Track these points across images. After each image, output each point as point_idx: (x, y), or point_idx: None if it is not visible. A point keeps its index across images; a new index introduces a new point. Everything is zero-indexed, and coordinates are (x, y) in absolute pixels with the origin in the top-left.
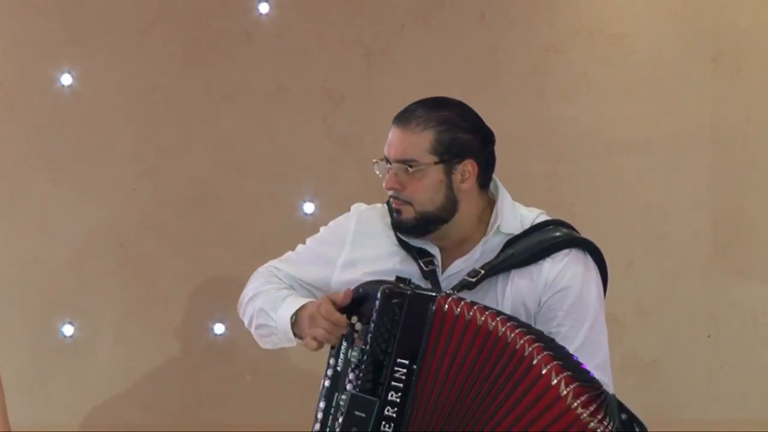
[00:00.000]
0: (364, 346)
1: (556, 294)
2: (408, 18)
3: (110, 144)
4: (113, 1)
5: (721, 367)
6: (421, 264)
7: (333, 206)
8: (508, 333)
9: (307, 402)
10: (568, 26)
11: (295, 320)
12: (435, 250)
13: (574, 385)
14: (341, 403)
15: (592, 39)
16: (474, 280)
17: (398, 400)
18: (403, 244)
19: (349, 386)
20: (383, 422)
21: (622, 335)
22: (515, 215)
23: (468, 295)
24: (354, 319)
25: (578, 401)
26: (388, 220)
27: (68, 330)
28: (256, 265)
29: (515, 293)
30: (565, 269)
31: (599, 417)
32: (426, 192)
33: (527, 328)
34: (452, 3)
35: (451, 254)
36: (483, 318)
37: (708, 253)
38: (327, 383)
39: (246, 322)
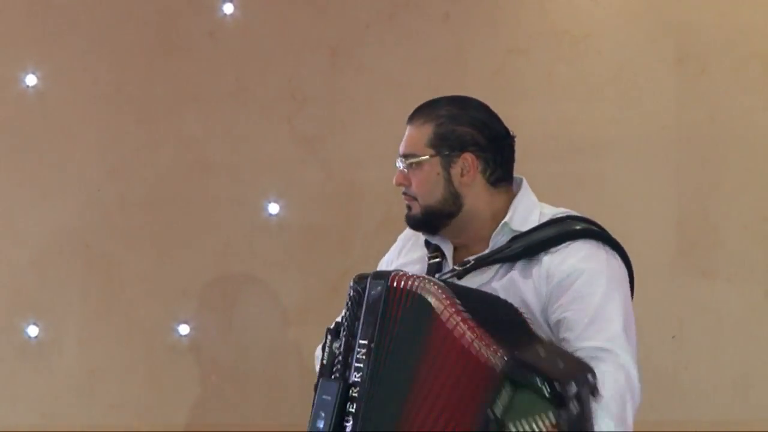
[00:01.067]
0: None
1: (558, 283)
2: (372, 18)
3: (75, 144)
4: (78, 2)
5: (686, 367)
6: (428, 257)
7: (297, 206)
8: (439, 302)
9: (272, 402)
10: (533, 27)
11: None
12: (447, 246)
13: (487, 339)
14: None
15: (557, 39)
16: (461, 269)
17: (359, 380)
18: (427, 244)
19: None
20: (348, 403)
21: None
22: (532, 213)
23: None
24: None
25: (490, 350)
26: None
27: (33, 331)
28: (220, 266)
29: (512, 289)
30: (565, 260)
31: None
32: (425, 185)
33: (465, 300)
34: (416, 3)
35: (467, 252)
36: (421, 285)
37: (672, 253)
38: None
39: None
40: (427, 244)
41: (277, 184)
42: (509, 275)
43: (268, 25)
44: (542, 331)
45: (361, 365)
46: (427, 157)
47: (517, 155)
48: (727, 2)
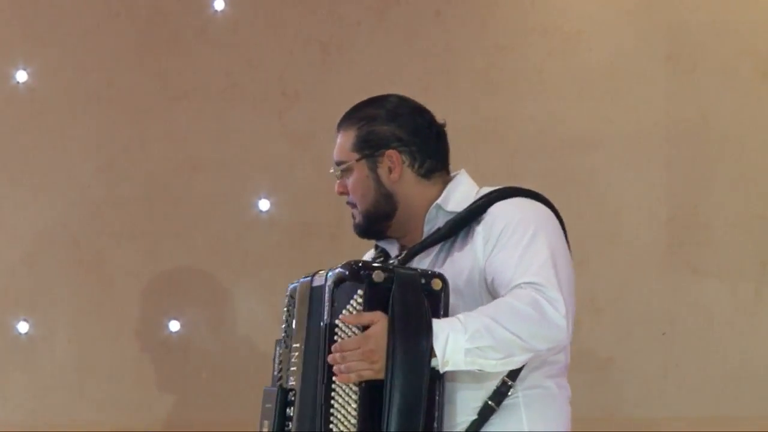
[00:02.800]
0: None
1: (492, 246)
2: (363, 15)
3: (65, 141)
4: None
5: (676, 364)
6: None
7: (288, 203)
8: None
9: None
10: (523, 23)
11: None
12: (393, 247)
13: None
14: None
15: (547, 36)
16: (396, 262)
17: (294, 382)
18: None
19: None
20: (287, 408)
21: (577, 333)
22: (467, 194)
23: None
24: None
25: None
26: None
27: (23, 327)
28: (211, 262)
29: (455, 270)
30: (494, 222)
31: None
32: (358, 189)
33: None
34: (407, 0)
35: (414, 241)
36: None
37: (662, 250)
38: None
39: None
40: (376, 248)
41: (268, 180)
42: (450, 258)
43: (258, 21)
44: (489, 299)
45: (295, 368)
46: (353, 161)
47: (508, 151)
48: (718, 0)
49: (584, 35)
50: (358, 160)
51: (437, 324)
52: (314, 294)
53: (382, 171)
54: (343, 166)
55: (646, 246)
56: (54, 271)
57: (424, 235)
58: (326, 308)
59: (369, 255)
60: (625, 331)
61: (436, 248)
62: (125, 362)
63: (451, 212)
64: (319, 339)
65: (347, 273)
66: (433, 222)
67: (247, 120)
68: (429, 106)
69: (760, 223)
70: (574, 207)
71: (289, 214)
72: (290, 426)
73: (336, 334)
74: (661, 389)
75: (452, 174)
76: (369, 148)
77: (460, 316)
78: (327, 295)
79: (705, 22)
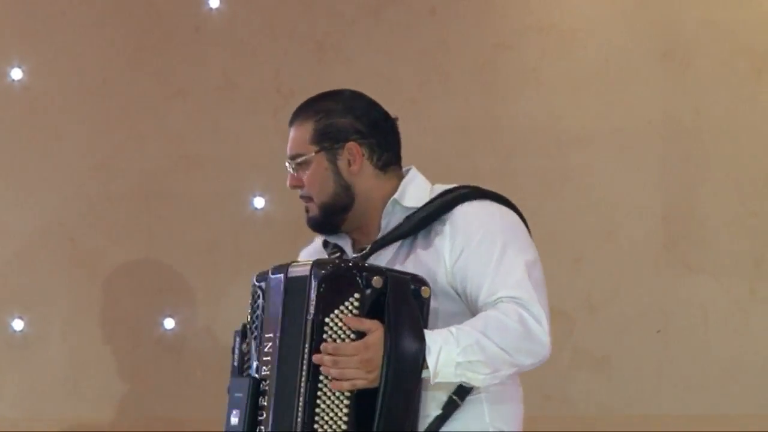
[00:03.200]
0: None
1: (461, 248)
2: (359, 13)
3: (60, 138)
4: None
5: (671, 362)
6: (327, 254)
7: (283, 201)
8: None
9: None
10: (519, 21)
11: None
12: (346, 242)
13: None
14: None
15: (543, 34)
16: (359, 256)
17: (268, 372)
18: (325, 246)
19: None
20: (260, 397)
21: (572, 331)
22: (422, 190)
23: None
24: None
25: None
26: (319, 239)
27: (18, 325)
28: (206, 260)
29: (418, 266)
30: (461, 223)
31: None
32: (316, 182)
33: None
34: None
35: (367, 242)
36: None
37: (657, 248)
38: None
39: None
40: (325, 245)
41: (263, 178)
42: (412, 254)
43: (254, 19)
44: (449, 299)
45: (269, 358)
46: (312, 154)
47: (503, 149)
48: None
49: (579, 33)
50: (317, 152)
51: (430, 336)
52: (292, 285)
53: (342, 164)
54: (299, 159)
55: (640, 244)
56: (49, 269)
57: (381, 230)
58: (312, 303)
59: (313, 248)
60: (620, 329)
61: (397, 244)
62: (120, 360)
63: (408, 207)
64: (301, 333)
65: (342, 272)
66: (390, 216)
67: (243, 118)
68: (424, 104)
69: (755, 221)
70: (569, 205)
71: (284, 211)
72: (263, 415)
73: (325, 332)
74: (656, 387)
75: (404, 168)
76: (328, 140)
77: (452, 329)
78: (312, 289)
79: (700, 19)
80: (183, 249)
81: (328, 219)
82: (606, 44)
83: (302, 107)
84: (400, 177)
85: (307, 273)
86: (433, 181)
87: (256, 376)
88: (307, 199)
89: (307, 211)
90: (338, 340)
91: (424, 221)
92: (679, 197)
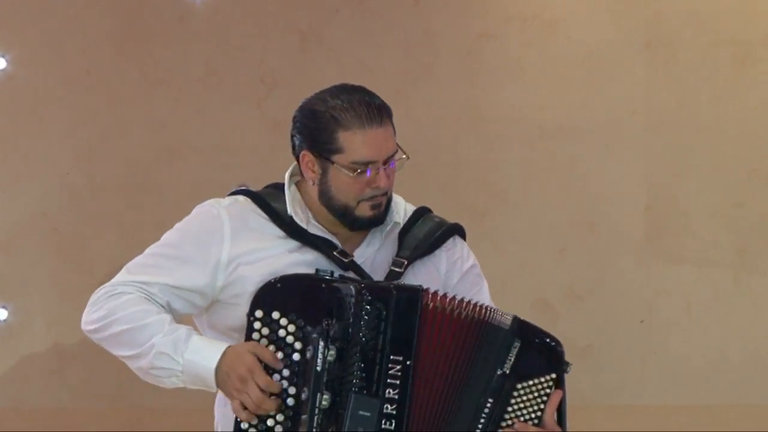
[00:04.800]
0: (343, 346)
1: (464, 275)
2: (342, 3)
3: (44, 128)
4: None
5: (654, 352)
6: (336, 255)
7: None
8: (477, 314)
9: None
10: (502, 11)
11: (218, 372)
12: (334, 239)
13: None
14: (323, 403)
15: (526, 24)
16: (401, 270)
17: (396, 396)
18: (296, 234)
19: (330, 387)
20: (384, 420)
21: (556, 320)
22: (399, 204)
23: None
24: (283, 321)
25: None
26: (261, 211)
27: (2, 314)
28: None
29: (416, 281)
30: (462, 254)
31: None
32: (393, 179)
33: (483, 306)
34: None
35: (347, 242)
36: (457, 307)
37: (640, 238)
38: (290, 389)
39: (125, 353)
40: (296, 234)
41: (247, 167)
42: (411, 269)
43: (237, 9)
44: None
45: (397, 381)
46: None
47: (487, 139)
48: None
49: (563, 24)
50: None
51: None
52: (425, 315)
53: None
54: (401, 157)
55: (624, 234)
56: (33, 258)
57: (375, 237)
58: (509, 362)
59: (224, 234)
60: (603, 318)
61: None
62: (104, 349)
63: (396, 222)
64: (484, 384)
65: (550, 351)
66: (383, 230)
67: (226, 107)
68: (408, 94)
69: (738, 212)
70: (553, 195)
71: None
72: None
73: (513, 397)
74: (639, 377)
75: None
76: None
77: None
78: (513, 348)
79: (683, 10)
80: None
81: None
82: (589, 34)
83: (381, 104)
84: None
85: (507, 326)
86: (420, 171)
87: (383, 395)
88: (385, 195)
89: (379, 207)
90: (523, 413)
91: (431, 248)
92: (663, 188)
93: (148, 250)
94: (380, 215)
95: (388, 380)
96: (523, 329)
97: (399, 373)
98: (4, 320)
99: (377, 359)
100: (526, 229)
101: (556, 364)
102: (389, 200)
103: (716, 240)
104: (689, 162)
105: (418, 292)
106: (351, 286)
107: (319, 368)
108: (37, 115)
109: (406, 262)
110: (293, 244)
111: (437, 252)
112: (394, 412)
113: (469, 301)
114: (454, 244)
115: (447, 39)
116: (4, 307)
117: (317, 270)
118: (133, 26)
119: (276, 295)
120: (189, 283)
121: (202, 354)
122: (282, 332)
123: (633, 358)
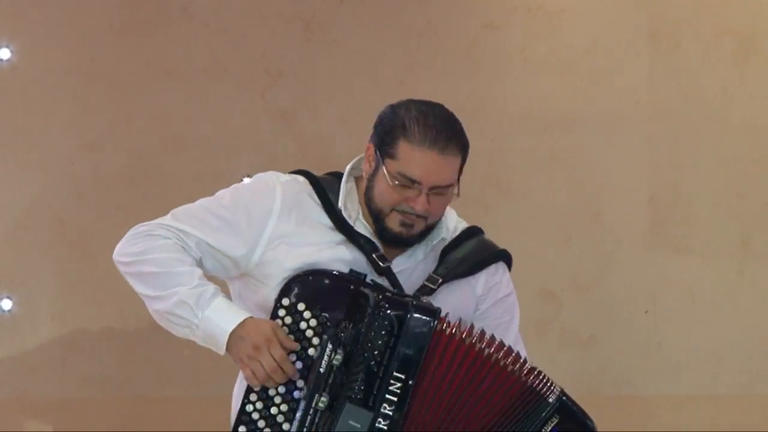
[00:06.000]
0: (352, 352)
1: (494, 305)
2: None
3: (48, 118)
4: None
5: (659, 342)
6: (375, 258)
7: None
8: (491, 353)
9: None
10: (506, 2)
11: (232, 337)
12: (377, 241)
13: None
14: (320, 404)
15: (530, 15)
16: (435, 287)
17: (391, 413)
18: (343, 228)
19: (326, 392)
20: None
21: (560, 311)
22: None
23: None
24: (307, 314)
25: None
26: (315, 197)
27: (6, 304)
28: None
29: (451, 301)
30: (500, 281)
31: (548, 384)
32: (443, 208)
33: (501, 343)
34: None
35: (388, 249)
36: (471, 339)
37: (645, 229)
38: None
39: (148, 293)
40: (345, 229)
41: (251, 158)
42: (449, 290)
43: None
44: None
45: (395, 399)
46: (455, 183)
47: (491, 130)
48: None
49: (567, 14)
50: (456, 183)
51: None
52: (437, 338)
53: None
54: (449, 189)
55: (628, 225)
56: (37, 249)
57: (419, 249)
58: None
59: (279, 209)
60: (607, 309)
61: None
62: (108, 339)
63: (442, 238)
64: (451, 393)
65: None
66: (430, 243)
67: (230, 98)
68: (412, 85)
69: (742, 202)
70: (557, 186)
71: None
72: None
73: None
74: (643, 367)
75: None
76: (460, 172)
77: None
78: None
79: (687, 1)
80: None
81: (423, 237)
82: (593, 25)
83: (456, 136)
84: None
85: (550, 400)
86: None
87: (380, 410)
88: (422, 219)
89: (411, 227)
90: None
91: (473, 270)
92: (667, 178)
93: (198, 202)
94: (409, 236)
95: (387, 396)
96: (564, 408)
97: (398, 391)
98: (9, 310)
99: (380, 372)
100: (529, 220)
101: None
102: (429, 228)
103: (720, 230)
104: (693, 153)
105: (435, 313)
106: (371, 294)
107: (322, 369)
108: (42, 105)
109: (440, 280)
110: (338, 237)
111: (477, 274)
112: (386, 428)
113: (509, 349)
114: (497, 270)
115: (451, 30)
116: (8, 297)
117: (351, 270)
118: (137, 17)
119: (306, 287)
120: (226, 249)
121: (223, 315)
122: (303, 324)
123: (637, 349)
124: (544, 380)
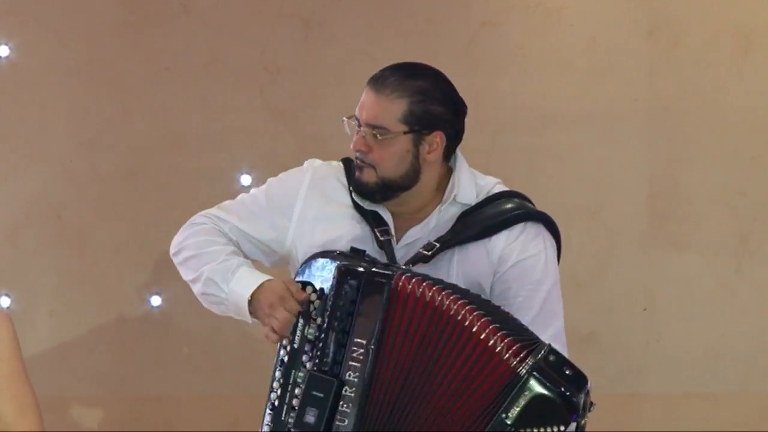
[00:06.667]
0: (321, 324)
1: (511, 268)
2: None
3: (47, 115)
4: None
5: (657, 340)
6: (377, 233)
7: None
8: (453, 306)
9: (244, 374)
10: (505, 0)
11: (252, 301)
12: (388, 216)
13: (508, 339)
14: (298, 380)
15: (529, 12)
16: (429, 253)
17: (356, 379)
18: (358, 206)
19: (308, 364)
20: (342, 402)
21: None
22: (471, 184)
23: (422, 268)
24: (309, 289)
25: (510, 352)
26: (344, 179)
27: (4, 302)
28: None
29: (468, 267)
30: (518, 243)
31: (528, 360)
32: (392, 160)
33: (470, 299)
34: None
35: (405, 221)
36: (431, 294)
37: (644, 226)
38: (285, 358)
39: (188, 277)
40: (359, 207)
41: (250, 155)
42: (467, 256)
43: None
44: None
45: (358, 365)
46: (399, 133)
47: (490, 127)
48: None
49: (566, 11)
50: (404, 133)
51: None
52: (393, 298)
53: (423, 149)
54: (381, 132)
55: (627, 221)
56: (36, 246)
57: (428, 217)
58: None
59: (305, 190)
60: (606, 306)
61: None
62: (106, 337)
63: (463, 203)
64: (409, 352)
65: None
66: (447, 211)
67: (229, 95)
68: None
69: (741, 199)
70: (555, 182)
71: None
72: (344, 422)
73: None
74: (641, 364)
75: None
76: (419, 125)
77: None
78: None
79: None
80: (169, 226)
81: (382, 193)
82: (592, 22)
83: (395, 79)
84: (449, 164)
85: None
86: None
87: (341, 378)
88: (367, 164)
89: (361, 171)
90: None
91: (489, 231)
92: (666, 175)
93: (241, 194)
94: (357, 179)
95: (350, 363)
96: (541, 373)
97: (361, 357)
98: (7, 308)
99: (345, 341)
100: None
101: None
102: (390, 184)
103: (719, 228)
104: (692, 149)
105: (389, 276)
106: (335, 266)
107: (296, 345)
108: (40, 102)
109: (438, 246)
110: (356, 217)
111: (495, 238)
112: (353, 395)
113: (442, 289)
114: (523, 229)
115: (449, 27)
116: (6, 294)
117: (351, 248)
118: (137, 13)
119: (312, 268)
120: (256, 233)
121: (243, 283)
122: (310, 305)
123: (635, 346)
124: (514, 347)
